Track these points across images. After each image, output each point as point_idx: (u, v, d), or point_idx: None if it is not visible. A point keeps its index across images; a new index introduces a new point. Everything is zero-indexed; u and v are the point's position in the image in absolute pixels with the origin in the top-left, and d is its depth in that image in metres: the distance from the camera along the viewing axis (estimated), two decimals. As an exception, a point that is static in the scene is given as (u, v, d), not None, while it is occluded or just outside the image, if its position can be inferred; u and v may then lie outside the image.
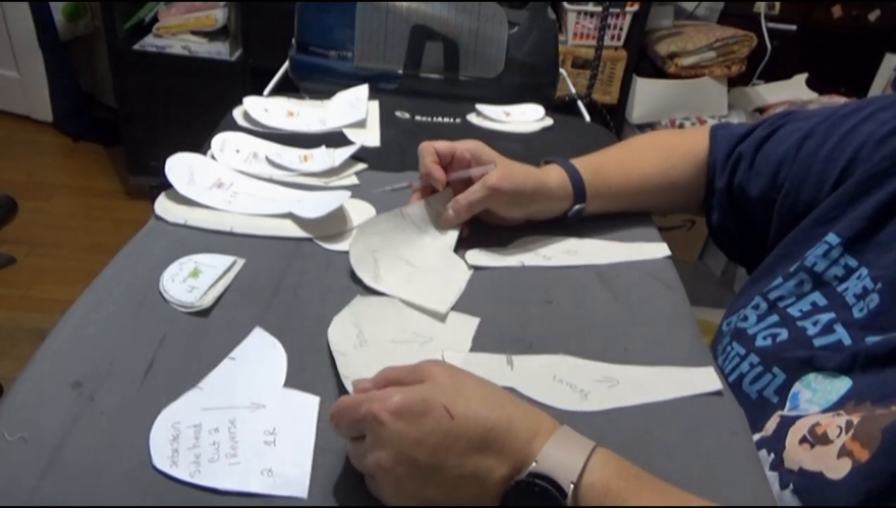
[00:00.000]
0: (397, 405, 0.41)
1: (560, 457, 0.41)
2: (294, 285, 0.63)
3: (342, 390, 0.52)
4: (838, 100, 2.15)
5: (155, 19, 2.20)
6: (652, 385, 0.56)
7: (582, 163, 0.76)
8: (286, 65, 1.14)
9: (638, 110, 2.15)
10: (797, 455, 0.51)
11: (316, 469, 0.46)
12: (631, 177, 0.77)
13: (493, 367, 0.56)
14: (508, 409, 0.43)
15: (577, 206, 0.74)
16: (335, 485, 0.45)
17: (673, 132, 0.81)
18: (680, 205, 0.82)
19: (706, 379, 0.57)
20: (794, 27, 2.25)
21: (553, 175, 0.73)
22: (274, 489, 0.45)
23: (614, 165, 0.77)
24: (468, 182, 0.71)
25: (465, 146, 0.71)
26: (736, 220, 0.75)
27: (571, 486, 0.40)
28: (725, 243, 0.79)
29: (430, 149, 0.71)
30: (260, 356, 0.55)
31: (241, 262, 0.65)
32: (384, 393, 0.43)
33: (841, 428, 0.49)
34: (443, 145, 0.71)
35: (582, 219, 0.76)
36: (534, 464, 0.40)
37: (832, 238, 0.60)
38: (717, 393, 0.55)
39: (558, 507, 0.39)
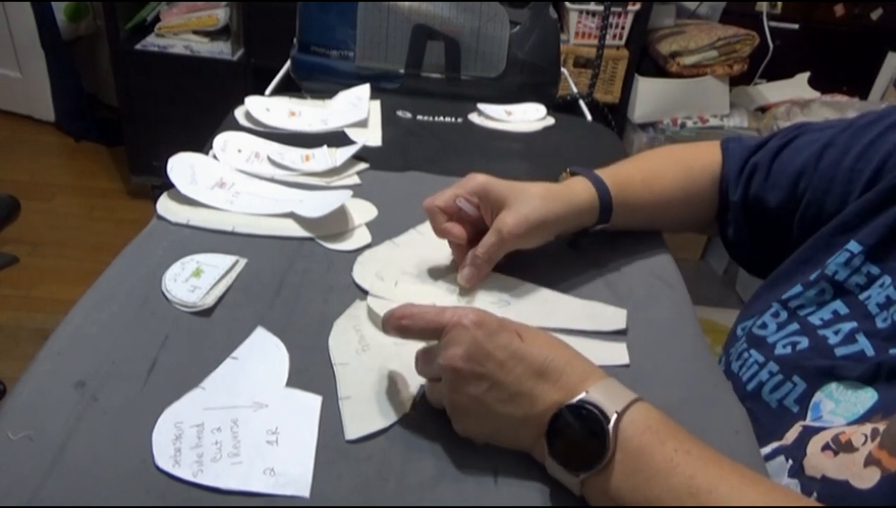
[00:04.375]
0: (478, 316, 0.47)
1: (609, 392, 0.45)
2: (296, 285, 0.63)
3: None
4: (840, 98, 2.15)
5: (157, 19, 2.20)
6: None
7: (609, 177, 0.70)
8: (288, 64, 1.14)
9: (640, 109, 2.15)
10: (819, 463, 0.50)
11: (318, 469, 0.46)
12: (654, 192, 0.73)
13: None
14: (568, 353, 0.48)
15: (599, 226, 0.70)
16: (337, 485, 0.46)
17: (687, 147, 0.79)
18: (694, 221, 0.79)
19: (616, 354, 0.59)
20: (796, 26, 2.25)
21: (580, 190, 0.68)
22: (276, 488, 0.45)
23: (639, 180, 0.73)
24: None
25: (469, 189, 0.64)
26: (752, 232, 0.74)
27: (615, 414, 0.43)
28: (743, 257, 0.77)
29: (434, 212, 0.65)
30: (262, 355, 0.55)
31: (243, 262, 0.65)
32: (463, 308, 0.48)
33: (866, 436, 0.49)
34: (444, 201, 0.65)
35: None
36: (584, 394, 0.45)
37: (854, 246, 0.59)
38: (625, 366, 0.58)
39: (600, 431, 0.43)
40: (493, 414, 0.47)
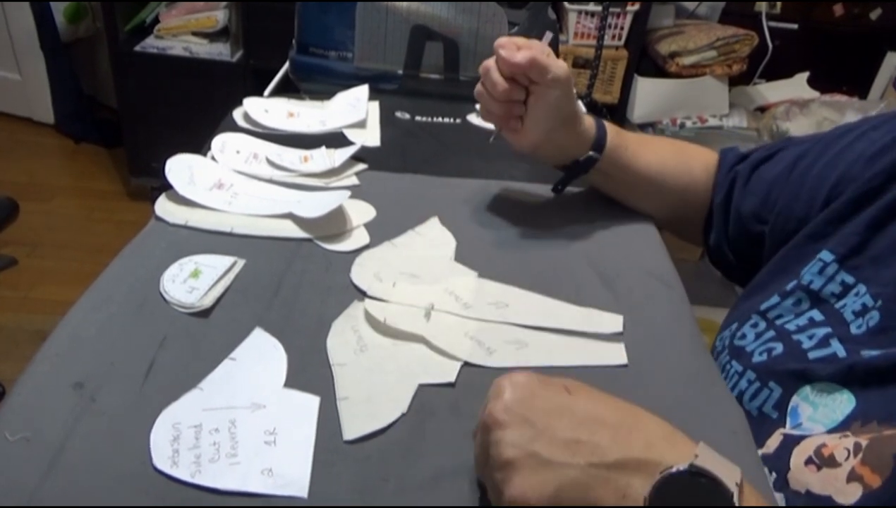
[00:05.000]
0: (521, 374, 0.45)
1: (718, 459, 0.40)
2: (294, 285, 0.63)
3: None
4: (840, 98, 2.15)
5: (156, 21, 2.21)
6: (559, 351, 0.59)
7: (608, 124, 0.76)
8: (286, 65, 1.14)
9: (639, 110, 2.15)
10: (803, 477, 0.50)
11: (316, 469, 0.46)
12: (646, 156, 0.76)
13: (410, 317, 0.60)
14: (633, 408, 0.44)
15: (591, 153, 0.73)
16: (336, 485, 0.46)
17: (691, 144, 0.82)
18: (684, 216, 0.80)
19: (614, 354, 0.59)
20: (795, 26, 2.25)
21: (585, 117, 0.74)
22: (274, 489, 0.45)
23: (635, 139, 0.77)
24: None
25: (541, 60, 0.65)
26: (729, 238, 0.75)
27: (736, 487, 0.39)
28: (721, 262, 0.78)
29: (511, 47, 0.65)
30: (260, 356, 0.55)
31: (241, 263, 0.65)
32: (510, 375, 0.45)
33: (849, 451, 0.49)
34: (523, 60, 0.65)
35: (582, 216, 0.76)
36: (695, 457, 0.40)
37: (826, 255, 0.60)
38: (624, 366, 0.58)
39: (722, 506, 0.38)
40: (548, 463, 0.41)
